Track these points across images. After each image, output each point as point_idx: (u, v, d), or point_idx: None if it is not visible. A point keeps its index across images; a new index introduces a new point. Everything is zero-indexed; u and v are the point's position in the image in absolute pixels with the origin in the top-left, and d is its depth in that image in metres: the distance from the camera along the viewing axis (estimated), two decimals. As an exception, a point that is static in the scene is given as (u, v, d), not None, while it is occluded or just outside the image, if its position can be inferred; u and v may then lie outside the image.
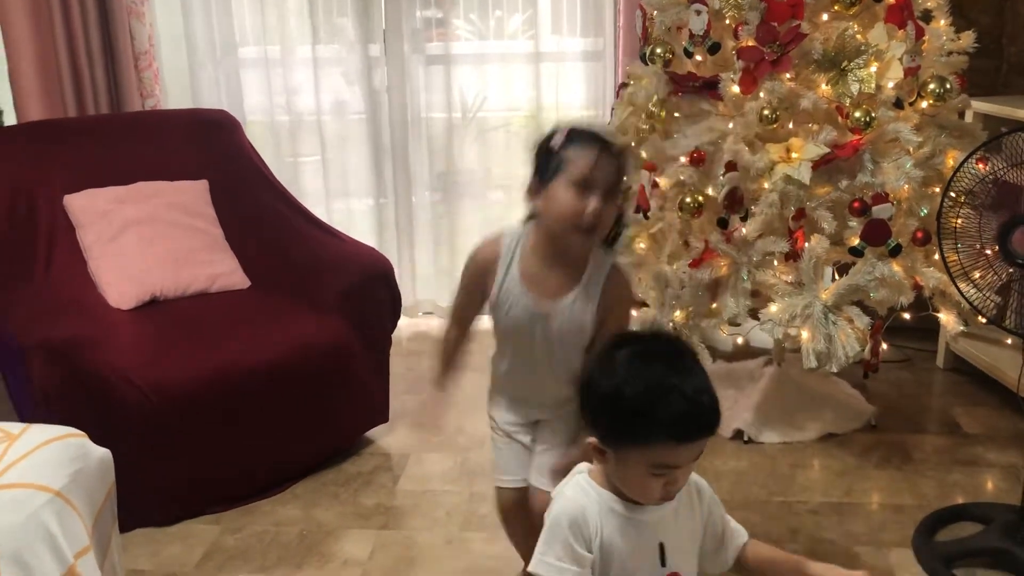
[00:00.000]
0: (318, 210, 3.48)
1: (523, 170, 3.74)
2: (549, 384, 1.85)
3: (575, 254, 1.76)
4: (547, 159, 1.69)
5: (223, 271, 2.92)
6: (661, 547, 1.37)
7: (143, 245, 2.82)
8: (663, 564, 1.37)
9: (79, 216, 2.83)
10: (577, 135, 1.69)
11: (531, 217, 1.80)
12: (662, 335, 1.39)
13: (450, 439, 2.94)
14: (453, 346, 1.91)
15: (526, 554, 2.07)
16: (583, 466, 1.43)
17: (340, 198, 3.88)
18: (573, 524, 1.35)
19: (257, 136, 3.70)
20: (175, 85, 3.67)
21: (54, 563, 1.32)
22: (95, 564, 1.41)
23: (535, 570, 1.38)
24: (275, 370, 2.56)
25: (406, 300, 3.91)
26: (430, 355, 1.99)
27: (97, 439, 1.69)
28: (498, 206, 3.99)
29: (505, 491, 1.99)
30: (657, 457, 1.27)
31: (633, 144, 2.87)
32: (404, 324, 3.93)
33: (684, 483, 1.34)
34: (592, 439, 1.34)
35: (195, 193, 3.03)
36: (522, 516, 1.98)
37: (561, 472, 1.81)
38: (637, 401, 1.26)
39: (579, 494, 1.38)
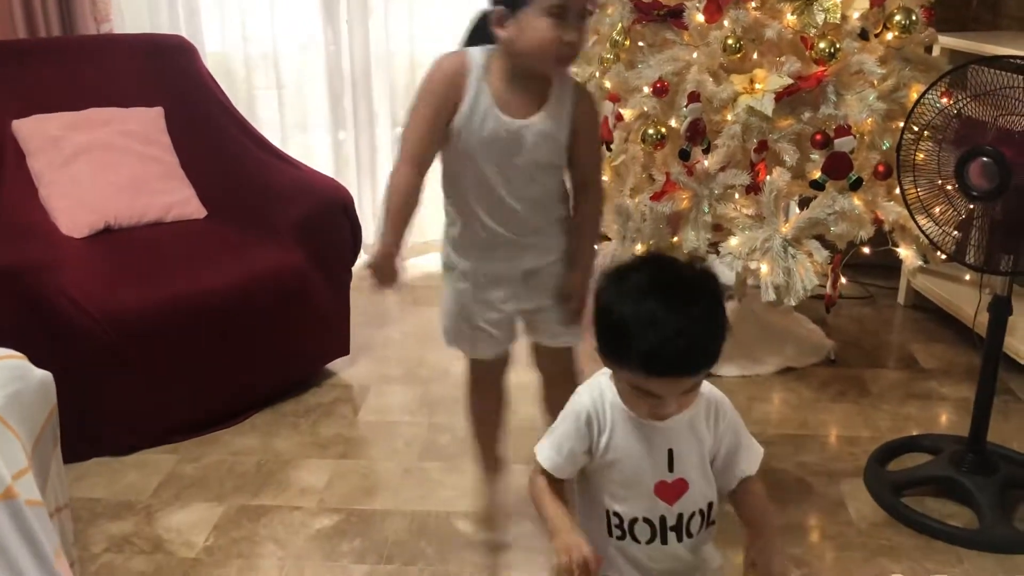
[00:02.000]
0: (276, 142, 3.42)
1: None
2: (526, 211, 1.78)
3: (541, 78, 1.72)
4: None
5: (178, 200, 2.87)
6: (670, 453, 1.39)
7: (96, 172, 2.76)
8: (671, 469, 1.40)
9: (28, 142, 2.76)
10: None
11: (477, 40, 1.75)
12: (689, 269, 1.34)
13: (411, 371, 2.94)
14: (408, 200, 1.74)
15: (498, 429, 2.13)
16: (607, 369, 1.44)
17: (298, 131, 3.80)
18: (578, 420, 1.40)
19: (216, 65, 3.61)
20: (132, 11, 3.55)
21: (-9, 483, 1.30)
22: (34, 485, 1.40)
23: (536, 448, 1.46)
24: (232, 300, 2.54)
25: (368, 236, 3.89)
26: (379, 210, 1.82)
27: (50, 367, 1.66)
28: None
29: (485, 362, 1.98)
30: (634, 381, 1.30)
31: (597, 74, 2.83)
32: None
33: (679, 410, 1.35)
34: (593, 344, 1.36)
35: (150, 120, 2.96)
36: (501, 383, 2.02)
37: (569, 314, 1.87)
38: (618, 324, 1.27)
39: (595, 392, 1.42)
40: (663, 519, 1.41)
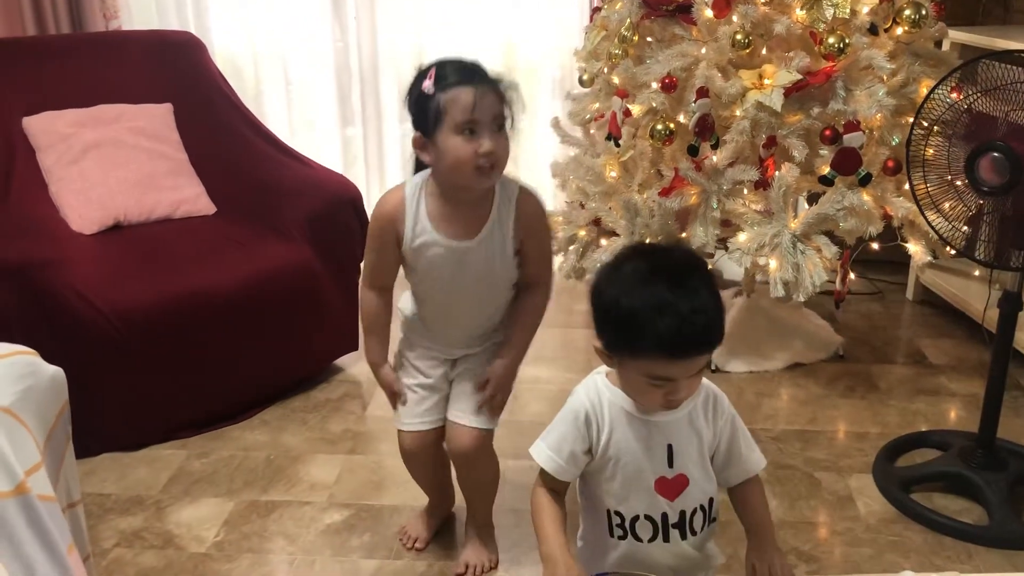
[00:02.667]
0: (284, 138, 3.43)
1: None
2: (473, 321, 1.84)
3: (479, 193, 1.71)
4: (423, 108, 1.62)
5: (188, 196, 2.87)
6: (669, 448, 1.39)
7: (105, 169, 2.77)
8: (670, 465, 1.39)
9: (38, 139, 2.77)
10: (445, 72, 1.61)
11: (421, 166, 1.76)
12: (676, 250, 1.37)
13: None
14: (378, 319, 1.88)
15: (437, 487, 2.11)
16: (603, 367, 1.43)
17: (307, 127, 3.81)
18: (577, 420, 1.40)
19: (225, 61, 3.62)
20: (140, 7, 3.56)
21: (3, 478, 1.31)
22: (47, 481, 1.40)
23: (531, 450, 1.44)
24: (241, 296, 2.54)
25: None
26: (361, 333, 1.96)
27: (60, 363, 1.66)
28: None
29: (412, 434, 1.94)
30: (652, 369, 1.29)
31: (605, 70, 2.82)
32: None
33: (688, 394, 1.35)
34: (597, 343, 1.35)
35: (159, 117, 2.97)
36: (432, 454, 1.98)
37: (483, 399, 1.86)
38: (632, 314, 1.27)
39: (592, 393, 1.41)
40: (664, 516, 1.41)
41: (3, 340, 2.07)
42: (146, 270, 2.52)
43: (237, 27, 3.64)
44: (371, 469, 2.42)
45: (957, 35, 2.92)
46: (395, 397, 1.94)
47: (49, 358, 1.59)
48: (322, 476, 2.38)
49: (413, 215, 1.73)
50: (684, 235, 2.64)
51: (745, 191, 2.56)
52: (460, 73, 1.61)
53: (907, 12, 2.49)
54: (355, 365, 2.95)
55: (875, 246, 2.67)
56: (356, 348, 2.92)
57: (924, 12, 2.50)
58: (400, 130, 3.81)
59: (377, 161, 3.84)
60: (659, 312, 1.24)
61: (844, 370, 2.91)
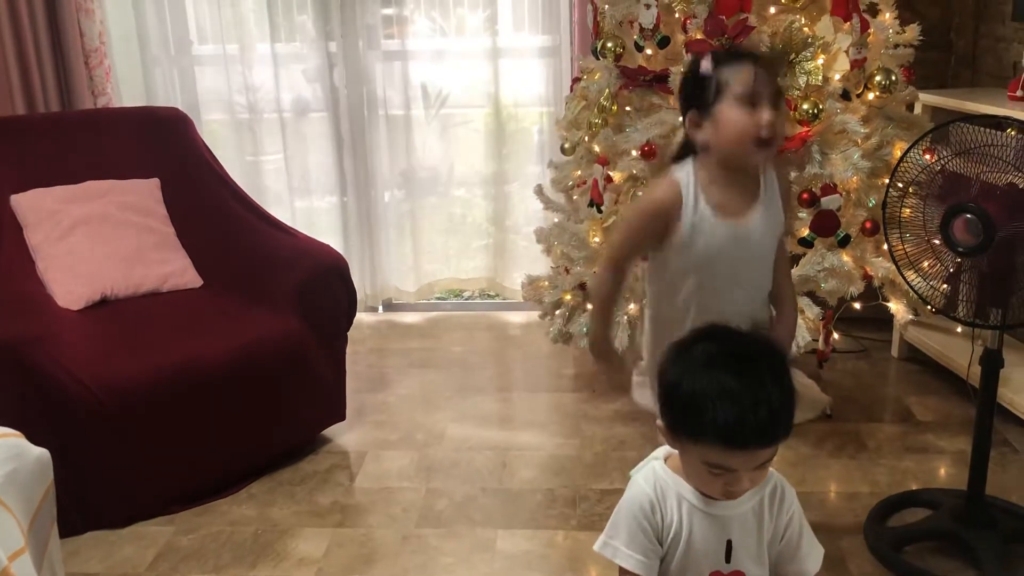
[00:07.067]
0: (279, 209, 3.48)
1: (484, 166, 3.72)
2: (745, 305, 1.78)
3: (752, 169, 1.72)
4: (701, 87, 1.64)
5: (175, 270, 2.89)
6: (728, 544, 1.36)
7: (93, 244, 2.79)
8: (728, 561, 1.37)
9: (26, 216, 2.79)
10: (722, 57, 1.65)
11: (686, 153, 1.75)
12: (751, 336, 1.35)
13: (408, 436, 2.94)
14: (611, 299, 1.86)
15: None
16: (660, 452, 1.41)
17: (303, 196, 3.87)
18: (644, 513, 1.36)
19: (216, 135, 3.68)
20: (128, 84, 3.63)
21: (-13, 564, 1.30)
22: (31, 566, 1.39)
23: (601, 551, 1.38)
24: (228, 369, 2.54)
25: (371, 298, 3.93)
26: (588, 315, 1.94)
27: (46, 440, 1.66)
28: (460, 202, 4.00)
29: None
30: (710, 456, 1.26)
31: (586, 138, 2.88)
32: (372, 321, 3.94)
33: (751, 486, 1.31)
34: (660, 422, 1.32)
35: (146, 191, 3.00)
36: None
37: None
38: (692, 398, 1.24)
39: (650, 480, 1.38)
40: None
41: (-12, 418, 2.07)
42: (133, 345, 2.52)
43: (229, 98, 3.71)
44: (360, 542, 2.39)
45: (928, 98, 3.00)
46: (618, 382, 1.90)
47: (35, 435, 1.58)
48: (310, 550, 2.36)
49: (692, 204, 1.70)
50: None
51: (727, 254, 2.59)
52: (736, 54, 1.66)
53: (878, 78, 2.56)
54: (343, 435, 2.93)
55: (857, 306, 2.70)
56: (344, 418, 2.91)
57: (894, 77, 2.57)
58: (391, 196, 3.87)
59: (367, 228, 3.88)
60: (720, 399, 1.21)
61: (832, 429, 2.92)
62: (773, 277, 1.83)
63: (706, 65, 1.64)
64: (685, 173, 1.72)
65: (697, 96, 1.66)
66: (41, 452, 1.54)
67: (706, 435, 1.23)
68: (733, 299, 1.76)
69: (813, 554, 1.44)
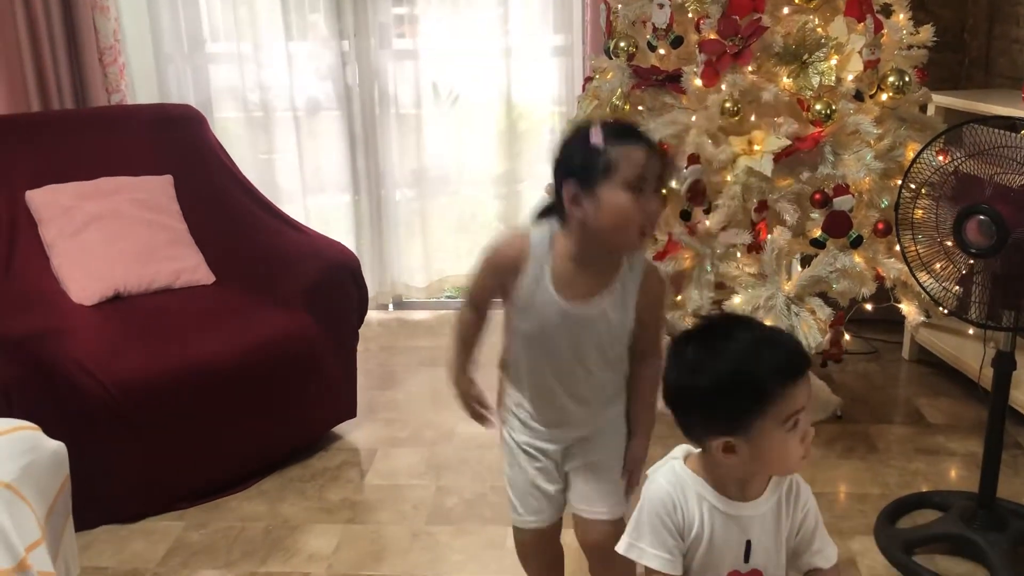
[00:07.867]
0: (291, 206, 3.49)
1: (495, 164, 3.71)
2: (585, 389, 1.72)
3: (615, 256, 1.63)
4: (589, 161, 1.52)
5: (187, 266, 2.90)
6: (748, 544, 1.38)
7: (106, 241, 2.81)
8: (746, 560, 1.38)
9: (41, 212, 2.81)
10: (614, 131, 1.54)
11: (549, 213, 1.66)
12: (732, 316, 1.45)
13: (417, 433, 2.95)
14: (470, 329, 1.78)
15: None
16: (679, 451, 1.42)
17: (315, 194, 3.88)
18: (666, 510, 1.37)
19: (228, 132, 3.70)
20: (142, 81, 3.65)
21: (4, 555, 1.31)
22: (47, 557, 1.40)
23: (627, 553, 1.40)
24: (240, 365, 2.55)
25: (381, 295, 3.94)
26: (448, 344, 1.86)
27: (60, 435, 1.67)
28: (471, 200, 4.01)
29: (528, 531, 1.80)
30: (783, 408, 1.27)
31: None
32: (383, 319, 3.95)
33: (811, 430, 1.32)
34: (717, 440, 1.31)
35: (159, 188, 3.01)
36: (549, 549, 1.87)
37: (630, 483, 1.76)
38: (735, 374, 1.28)
39: (675, 481, 1.38)
40: None
41: (4, 411, 2.09)
42: (146, 340, 2.53)
43: (237, 97, 3.73)
44: (370, 539, 2.40)
45: (941, 99, 2.99)
46: (480, 417, 1.80)
47: (49, 429, 1.60)
48: (320, 546, 2.37)
49: (534, 273, 1.62)
50: (679, 298, 2.67)
51: (738, 254, 2.59)
52: (628, 132, 1.56)
53: (891, 79, 2.56)
54: (353, 432, 2.95)
55: (868, 307, 2.69)
56: (354, 415, 2.93)
57: (908, 78, 2.56)
58: (401, 194, 3.88)
59: (377, 226, 3.89)
60: (756, 353, 1.28)
61: (843, 431, 2.91)
62: (628, 392, 1.76)
63: (596, 138, 1.51)
64: (541, 238, 1.63)
65: (581, 170, 1.53)
66: (57, 445, 1.55)
67: (769, 386, 1.26)
68: (571, 372, 1.70)
69: (827, 549, 1.46)
